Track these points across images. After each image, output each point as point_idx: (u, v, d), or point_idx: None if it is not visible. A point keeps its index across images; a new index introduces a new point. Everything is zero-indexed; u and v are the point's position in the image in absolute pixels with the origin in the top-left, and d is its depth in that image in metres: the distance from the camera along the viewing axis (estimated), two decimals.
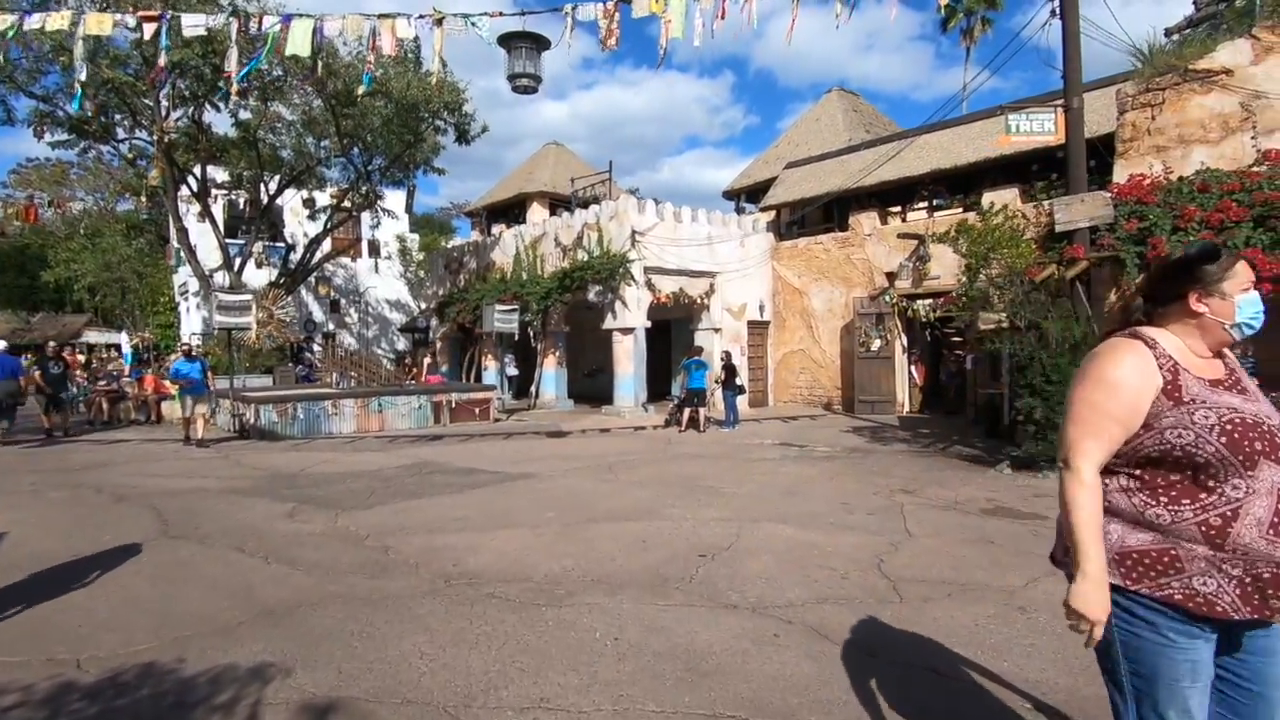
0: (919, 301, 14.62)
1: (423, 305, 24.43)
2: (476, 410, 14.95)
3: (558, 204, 22.60)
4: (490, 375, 19.07)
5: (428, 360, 20.63)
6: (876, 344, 15.10)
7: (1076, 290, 8.33)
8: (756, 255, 17.38)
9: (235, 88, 8.91)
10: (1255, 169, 7.47)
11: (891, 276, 15.00)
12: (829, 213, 17.78)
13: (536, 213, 23.08)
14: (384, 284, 28.88)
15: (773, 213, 18.70)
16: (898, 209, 16.23)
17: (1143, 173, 8.57)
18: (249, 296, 12.97)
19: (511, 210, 24.83)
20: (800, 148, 20.20)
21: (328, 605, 4.07)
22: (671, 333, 18.24)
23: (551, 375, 17.71)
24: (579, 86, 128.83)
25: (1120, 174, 9.15)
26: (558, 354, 17.69)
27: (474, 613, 3.92)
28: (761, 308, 17.40)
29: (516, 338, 17.04)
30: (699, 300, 16.21)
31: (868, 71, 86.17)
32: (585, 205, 17.69)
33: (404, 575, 4.64)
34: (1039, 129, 8.46)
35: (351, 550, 5.25)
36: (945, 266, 14.10)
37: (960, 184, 15.07)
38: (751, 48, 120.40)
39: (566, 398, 17.77)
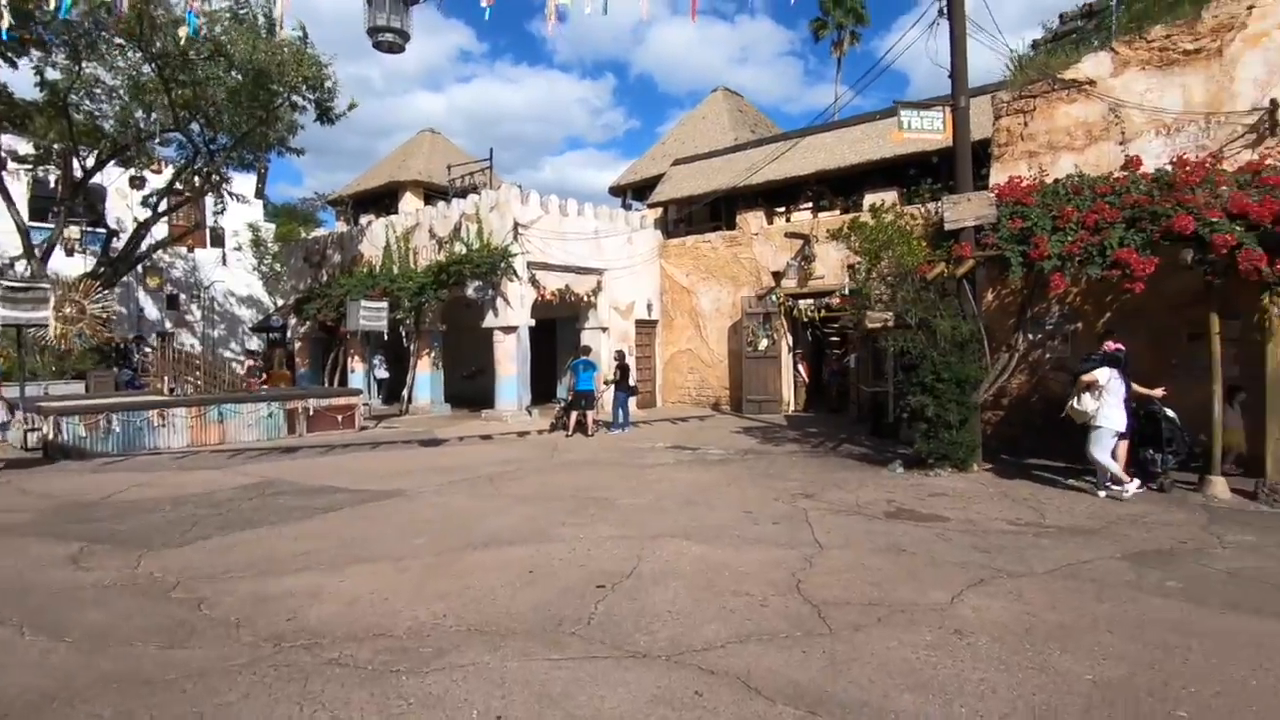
0: (804, 301, 14.74)
1: (279, 301, 22.08)
2: (339, 417, 13.42)
3: (434, 194, 21.12)
4: (358, 378, 17.39)
5: (251, 363, 18.60)
6: (764, 343, 15.05)
7: (963, 289, 8.41)
8: (644, 252, 16.93)
9: (5, 22, 7.16)
10: (1122, 173, 7.81)
11: (778, 276, 15.01)
12: (716, 211, 17.65)
13: (410, 202, 21.44)
14: (234, 277, 25.94)
15: (660, 210, 18.35)
16: (783, 209, 16.32)
17: (1020, 175, 8.82)
18: (46, 287, 10.80)
19: (382, 200, 22.97)
20: (687, 145, 20.00)
21: (94, 697, 2.98)
22: (557, 332, 17.41)
23: (426, 378, 16.36)
24: (457, 79, 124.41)
25: (997, 176, 9.40)
26: (433, 354, 16.37)
27: (308, 693, 2.99)
28: (649, 306, 16.96)
29: (386, 337, 15.57)
30: (586, 298, 15.51)
31: (744, 82, 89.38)
32: (463, 195, 16.48)
33: (217, 640, 3.59)
34: (929, 127, 8.49)
35: (150, 606, 4.09)
36: (829, 267, 14.28)
37: (842, 186, 15.34)
38: (632, 52, 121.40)
39: (443, 402, 16.48)
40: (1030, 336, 9.34)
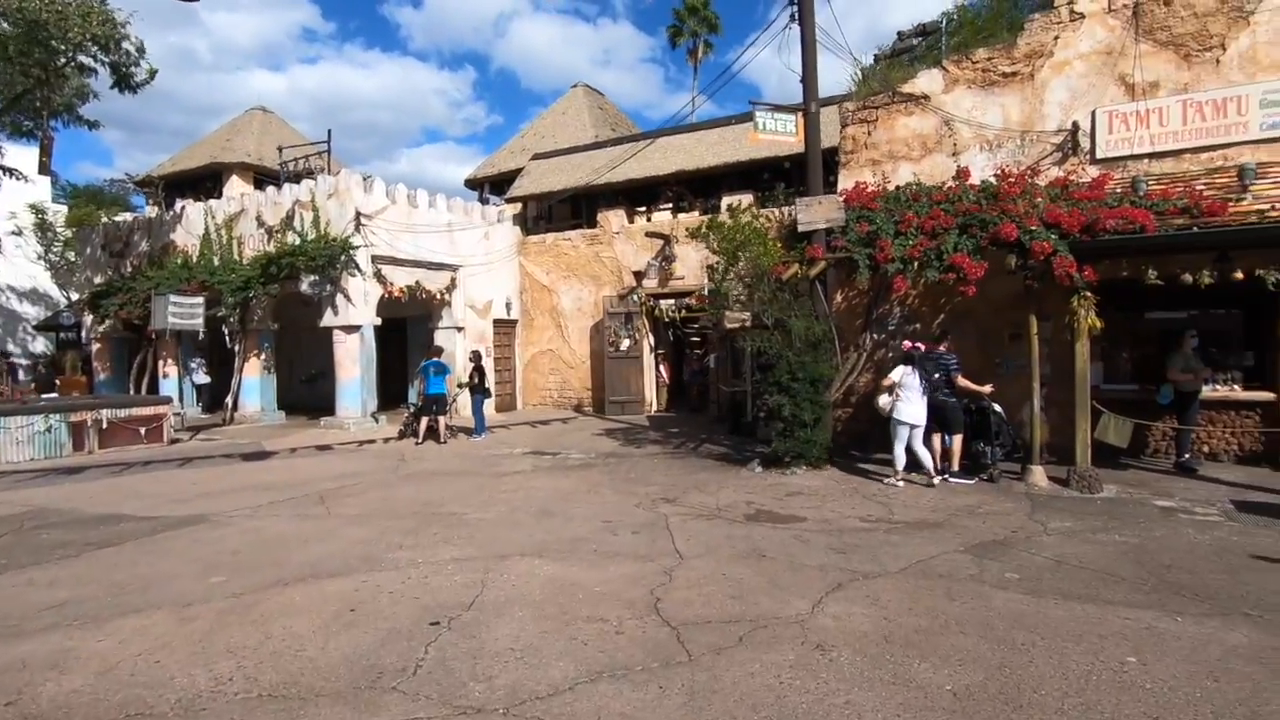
0: (664, 301, 14.73)
1: (73, 296, 18.98)
2: (143, 430, 11.60)
3: (264, 179, 19.06)
4: (170, 385, 15.24)
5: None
6: (626, 343, 14.87)
7: (816, 290, 8.61)
8: (503, 249, 16.20)
9: None
10: (954, 183, 8.32)
11: (639, 276, 14.89)
12: (577, 209, 17.28)
13: (236, 186, 19.23)
14: (12, 268, 22.01)
15: (519, 206, 17.68)
16: (644, 209, 16.25)
17: (865, 181, 9.19)
18: None
19: (203, 183, 20.43)
20: (546, 140, 19.48)
21: None
22: (408, 331, 16.24)
23: (255, 382, 14.62)
24: (300, 59, 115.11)
25: (844, 182, 9.76)
26: (263, 357, 14.66)
27: None
28: (508, 305, 16.26)
29: (202, 336, 13.73)
30: (439, 295, 14.54)
31: (606, 84, 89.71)
32: (297, 180, 14.92)
33: None
34: (783, 129, 8.61)
35: None
36: (689, 267, 14.35)
37: (702, 187, 15.50)
38: (494, 45, 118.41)
39: (275, 409, 14.81)
40: (876, 336, 9.78)
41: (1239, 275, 6.57)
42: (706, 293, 11.18)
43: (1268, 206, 6.51)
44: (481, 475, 8.56)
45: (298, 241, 13.15)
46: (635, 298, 14.79)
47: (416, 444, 11.25)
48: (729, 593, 4.24)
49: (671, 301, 14.56)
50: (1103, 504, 6.52)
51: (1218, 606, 3.92)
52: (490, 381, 13.82)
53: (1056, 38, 8.82)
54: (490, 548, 5.28)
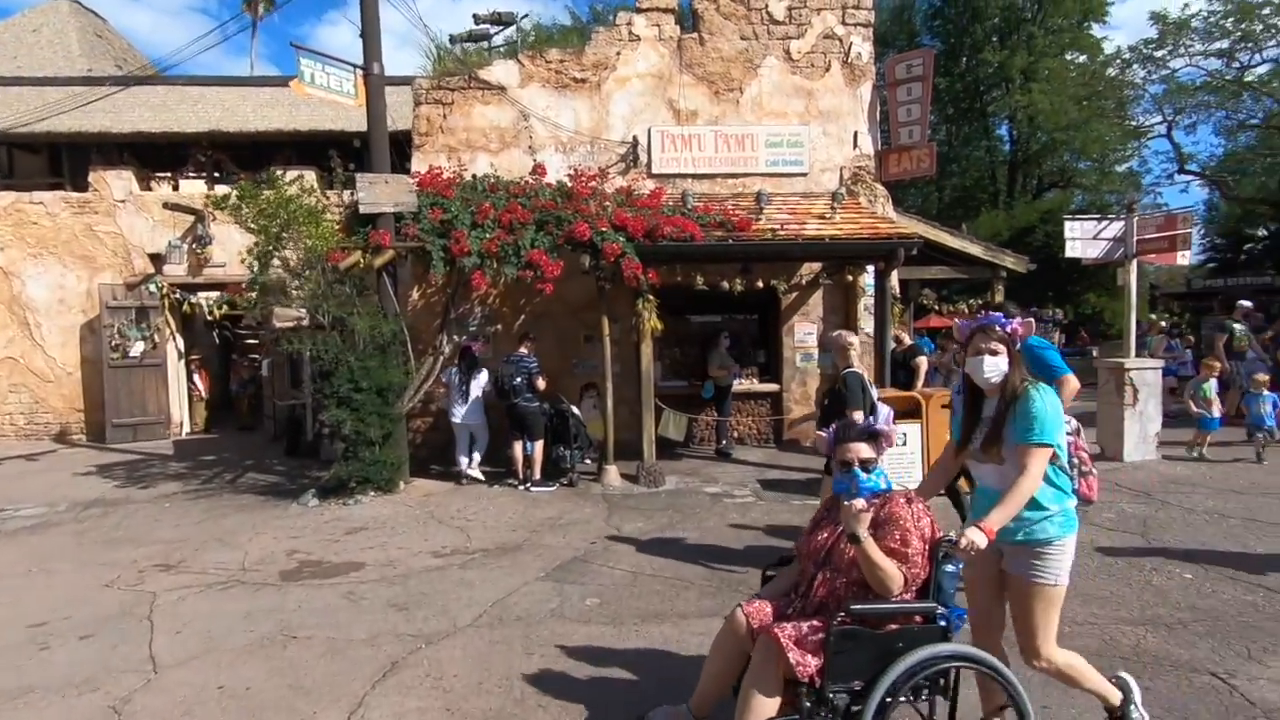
0: (201, 294, 11.62)
1: None
2: None
3: None
4: None
5: None
6: (139, 347, 11.24)
7: (384, 283, 7.36)
8: None
9: None
10: (530, 179, 8.02)
11: (158, 260, 11.40)
12: (57, 164, 12.59)
13: None
14: None
15: None
16: (168, 174, 12.61)
17: (440, 166, 8.31)
18: None
19: None
20: (8, 62, 13.85)
21: None
22: None
23: None
24: None
25: (419, 166, 8.73)
26: None
27: None
28: None
29: None
30: None
31: (136, 26, 70.61)
32: None
33: None
34: (338, 87, 7.13)
35: None
36: (232, 253, 11.51)
37: (251, 158, 12.66)
38: None
39: None
40: (456, 338, 9.00)
41: (760, 284, 7.60)
42: (246, 284, 8.92)
43: (779, 226, 7.66)
44: None
45: None
46: (153, 288, 11.29)
47: None
48: None
49: (215, 294, 11.52)
50: (667, 497, 6.82)
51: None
52: None
53: (619, 54, 9.25)
54: None
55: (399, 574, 4.71)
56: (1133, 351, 7.79)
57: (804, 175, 9.32)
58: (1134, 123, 21.99)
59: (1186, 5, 17.48)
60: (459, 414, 7.56)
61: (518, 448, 7.34)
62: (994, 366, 2.33)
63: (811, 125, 9.36)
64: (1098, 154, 26.05)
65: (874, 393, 4.80)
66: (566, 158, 9.04)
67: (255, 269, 7.08)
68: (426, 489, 7.35)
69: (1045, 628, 2.32)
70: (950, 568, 2.29)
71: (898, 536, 2.24)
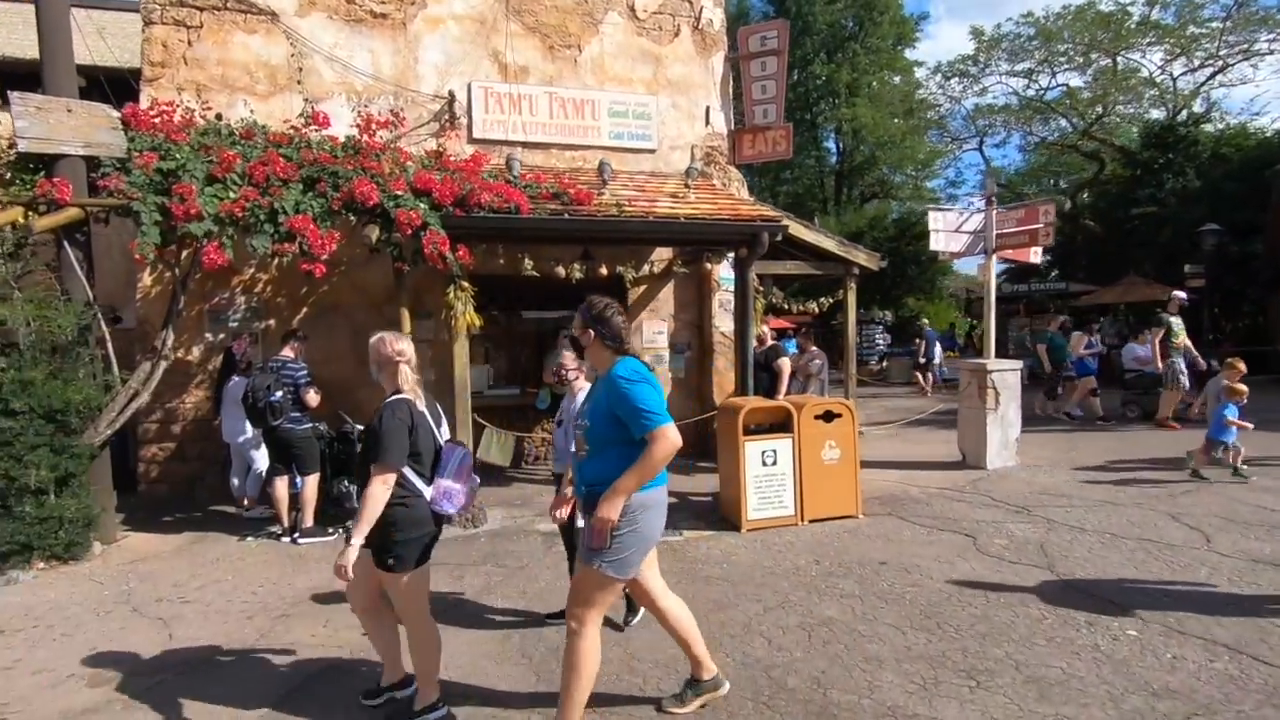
0: None
1: None
2: None
3: None
4: None
5: None
6: None
7: (66, 255, 5.07)
8: None
9: None
10: (303, 125, 6.08)
11: None
12: None
13: None
14: None
15: None
16: None
17: (173, 100, 6.09)
18: None
19: None
20: None
21: None
22: None
23: None
24: None
25: (147, 103, 6.42)
26: None
27: None
28: None
29: None
30: None
31: None
32: None
33: None
34: None
35: None
36: None
37: None
38: None
39: None
40: (209, 337, 6.83)
41: (604, 272, 6.24)
42: None
43: (626, 202, 6.35)
44: None
45: None
46: None
47: None
48: None
49: None
50: (487, 542, 5.25)
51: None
52: None
53: None
54: None
55: None
56: (993, 352, 7.39)
57: (652, 152, 8.15)
58: (949, 137, 23.59)
59: (1000, 26, 18.86)
60: (225, 432, 6.06)
61: (280, 485, 5.40)
62: None
63: (660, 96, 8.21)
64: (912, 168, 27.88)
65: (437, 427, 2.88)
66: (361, 111, 7.13)
67: None
68: (141, 550, 5.19)
69: None
70: None
71: None
